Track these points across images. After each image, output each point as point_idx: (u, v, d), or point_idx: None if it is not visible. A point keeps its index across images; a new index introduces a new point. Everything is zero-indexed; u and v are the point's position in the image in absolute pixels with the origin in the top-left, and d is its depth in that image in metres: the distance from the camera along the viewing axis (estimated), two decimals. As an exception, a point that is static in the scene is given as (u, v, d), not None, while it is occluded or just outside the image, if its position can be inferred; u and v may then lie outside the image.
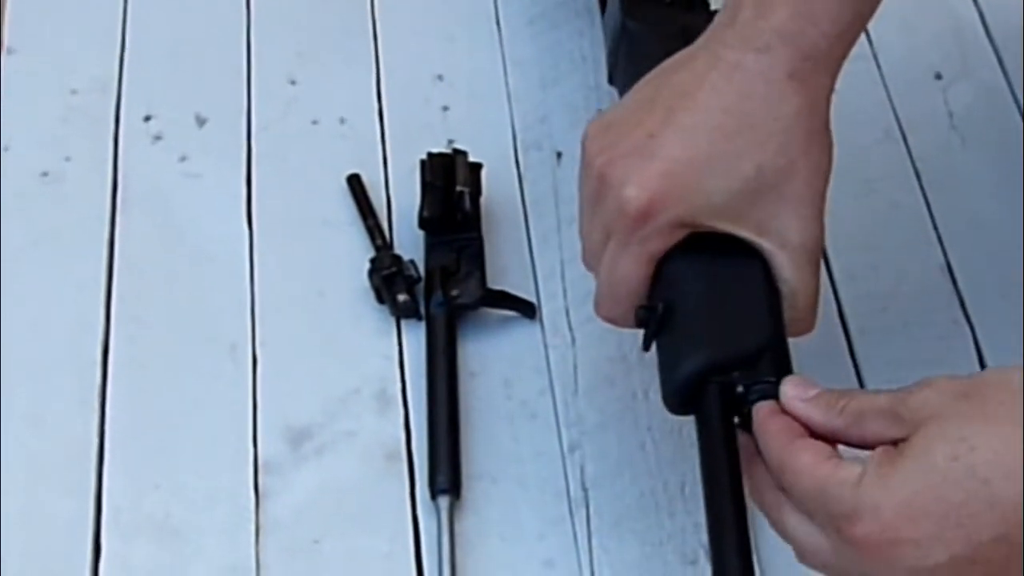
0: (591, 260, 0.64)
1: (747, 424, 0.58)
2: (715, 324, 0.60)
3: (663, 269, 0.61)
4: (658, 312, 0.61)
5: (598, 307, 0.65)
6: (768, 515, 0.57)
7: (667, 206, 0.59)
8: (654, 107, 0.61)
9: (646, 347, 0.62)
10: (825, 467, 0.53)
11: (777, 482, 0.56)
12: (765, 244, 0.61)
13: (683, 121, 0.60)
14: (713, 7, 0.77)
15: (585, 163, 0.63)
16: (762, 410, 0.57)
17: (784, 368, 0.59)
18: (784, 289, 0.61)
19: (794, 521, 0.55)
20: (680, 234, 0.60)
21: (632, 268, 0.61)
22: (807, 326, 0.63)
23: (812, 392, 0.57)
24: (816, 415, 0.56)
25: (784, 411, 0.57)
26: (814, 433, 0.56)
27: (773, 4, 0.60)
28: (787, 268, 0.61)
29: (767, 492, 0.57)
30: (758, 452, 0.57)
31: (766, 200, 0.60)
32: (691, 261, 0.61)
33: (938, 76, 0.90)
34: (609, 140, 0.62)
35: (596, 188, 0.62)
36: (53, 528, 0.69)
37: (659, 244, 0.61)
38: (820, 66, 0.60)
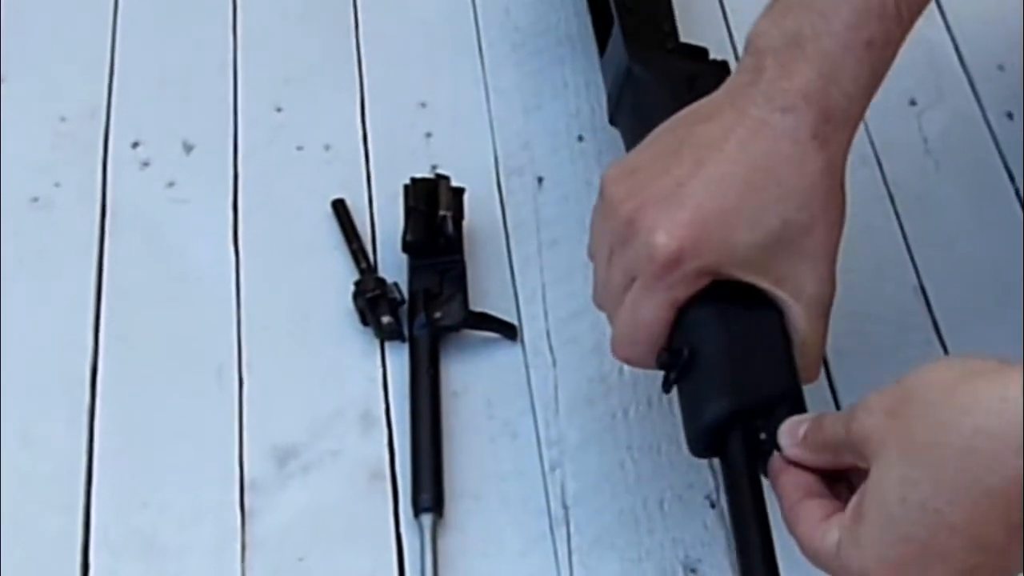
0: (608, 301, 0.65)
1: (764, 468, 0.60)
2: (738, 371, 0.62)
3: (685, 315, 0.63)
4: (683, 357, 0.62)
5: (616, 348, 0.66)
6: None
7: (696, 255, 0.61)
8: (680, 156, 0.63)
9: (667, 390, 0.64)
10: (815, 538, 0.55)
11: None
12: (783, 295, 0.63)
13: (712, 172, 0.62)
14: (712, 55, 0.80)
15: (609, 206, 0.64)
16: (774, 466, 0.59)
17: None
18: (795, 339, 0.63)
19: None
20: (704, 282, 0.62)
21: (655, 313, 0.63)
22: (813, 375, 0.65)
23: (801, 431, 0.58)
24: (808, 458, 0.58)
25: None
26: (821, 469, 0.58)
27: (798, 65, 0.62)
28: (801, 319, 0.63)
29: None
30: None
31: (787, 253, 0.62)
32: (713, 308, 0.63)
33: (912, 102, 0.92)
34: (635, 185, 0.63)
35: (623, 232, 0.63)
36: (41, 545, 0.70)
37: (684, 291, 0.62)
38: (841, 125, 0.62)
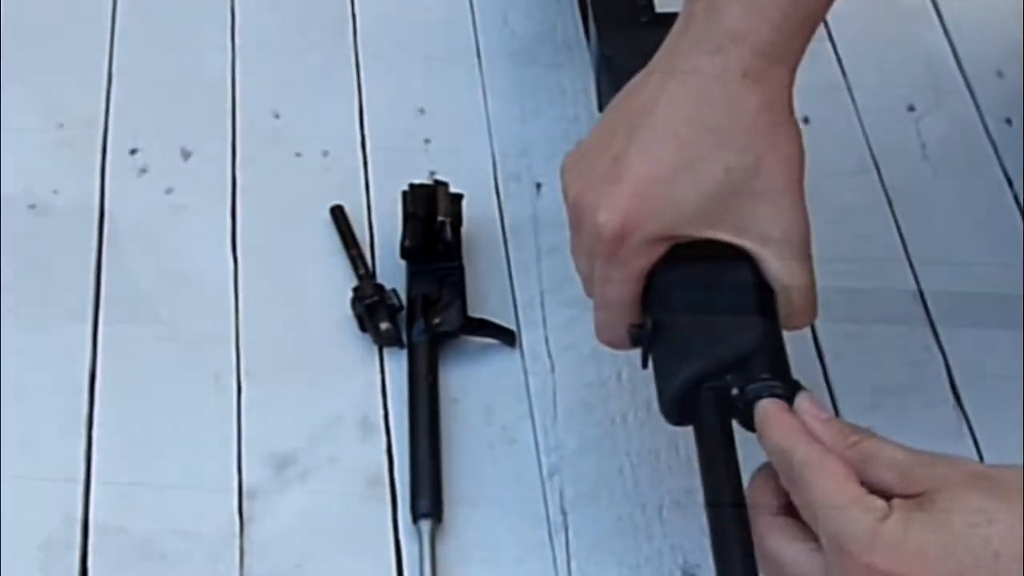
0: (587, 287, 0.65)
1: (747, 423, 0.58)
2: (703, 332, 0.61)
3: (651, 285, 0.62)
4: (647, 329, 0.62)
5: (597, 333, 0.66)
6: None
7: (639, 225, 0.60)
8: (617, 129, 0.62)
9: (644, 365, 0.63)
10: (855, 487, 0.53)
11: (786, 476, 0.55)
12: (747, 243, 0.61)
13: (644, 137, 0.61)
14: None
15: (564, 196, 0.64)
16: (770, 407, 0.57)
17: (779, 366, 0.60)
18: (776, 286, 0.61)
19: (781, 542, 0.55)
20: (660, 248, 0.61)
21: (619, 289, 0.62)
22: (804, 319, 0.63)
23: (824, 415, 0.57)
24: (827, 439, 0.55)
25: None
26: None
27: (723, 5, 0.60)
28: (773, 264, 0.61)
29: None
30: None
31: (740, 200, 0.60)
32: (676, 273, 0.62)
33: (911, 108, 0.92)
34: (581, 169, 0.63)
35: (574, 217, 0.63)
36: (40, 552, 0.70)
37: (641, 262, 0.61)
38: (775, 61, 0.61)
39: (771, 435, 0.56)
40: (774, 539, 0.55)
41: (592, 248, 0.62)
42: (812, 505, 0.54)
